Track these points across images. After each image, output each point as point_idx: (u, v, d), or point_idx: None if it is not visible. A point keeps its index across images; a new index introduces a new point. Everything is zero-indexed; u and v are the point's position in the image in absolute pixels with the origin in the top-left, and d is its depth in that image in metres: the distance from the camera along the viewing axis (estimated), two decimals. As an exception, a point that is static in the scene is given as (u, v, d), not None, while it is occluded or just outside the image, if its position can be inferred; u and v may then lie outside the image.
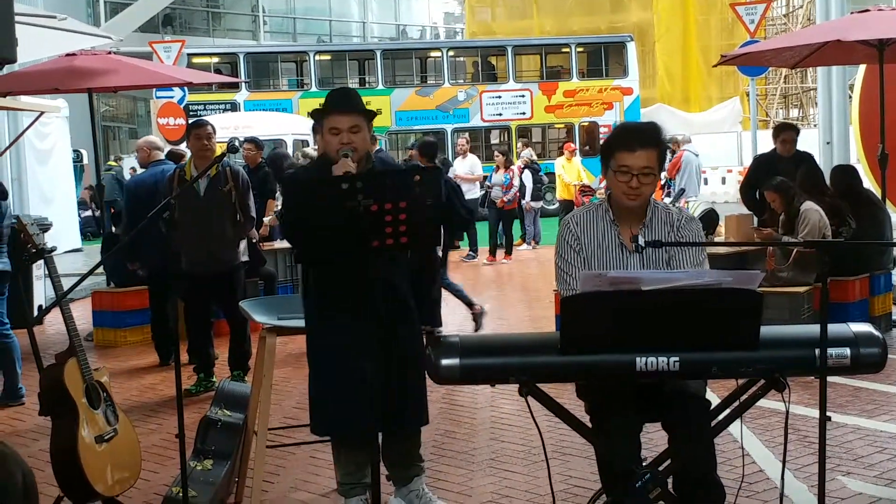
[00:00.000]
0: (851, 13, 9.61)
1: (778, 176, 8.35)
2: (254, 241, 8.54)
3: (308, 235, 3.81)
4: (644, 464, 3.52)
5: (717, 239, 8.99)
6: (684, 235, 3.81)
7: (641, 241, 3.38)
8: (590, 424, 3.64)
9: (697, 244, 3.80)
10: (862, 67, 12.57)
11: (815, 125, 23.74)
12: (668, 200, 13.88)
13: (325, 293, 4.30)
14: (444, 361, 3.32)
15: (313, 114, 4.38)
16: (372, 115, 4.36)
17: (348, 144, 4.19)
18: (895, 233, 8.72)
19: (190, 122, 9.34)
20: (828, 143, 12.00)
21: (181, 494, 4.17)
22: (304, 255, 4.16)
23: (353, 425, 4.20)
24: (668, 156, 15.16)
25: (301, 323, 4.73)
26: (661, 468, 3.46)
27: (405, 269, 4.38)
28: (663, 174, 10.76)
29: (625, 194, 3.73)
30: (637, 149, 3.68)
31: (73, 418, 4.38)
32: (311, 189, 3.92)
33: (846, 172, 9.08)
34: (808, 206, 7.84)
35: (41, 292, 10.37)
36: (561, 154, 20.12)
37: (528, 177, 17.22)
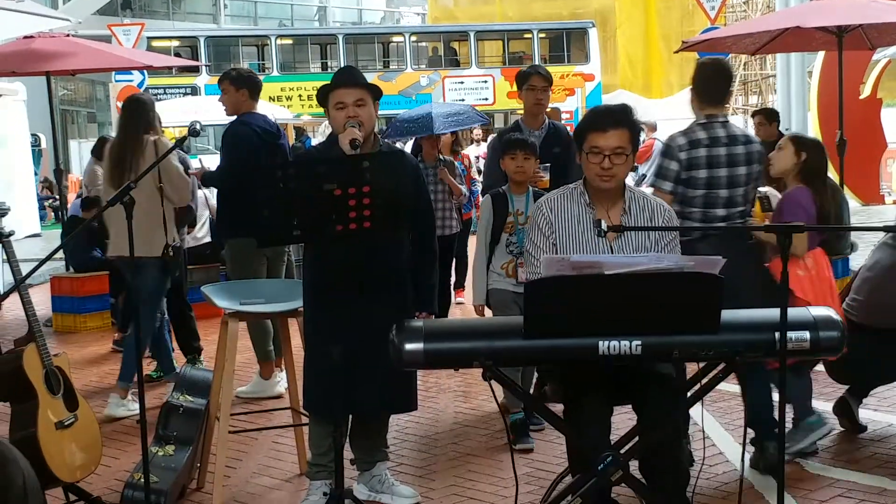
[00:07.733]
0: (811, 0, 9.71)
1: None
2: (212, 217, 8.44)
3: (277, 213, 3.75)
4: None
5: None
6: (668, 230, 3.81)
7: (605, 225, 3.37)
8: (544, 400, 3.64)
9: (664, 228, 3.80)
10: (820, 54, 12.71)
11: (774, 112, 23.92)
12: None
13: (314, 276, 4.36)
14: (408, 346, 3.31)
15: (320, 93, 4.38)
16: (377, 91, 4.36)
17: (355, 118, 4.21)
18: (853, 218, 8.81)
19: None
20: (786, 129, 12.13)
21: (142, 480, 4.15)
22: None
23: (326, 405, 4.23)
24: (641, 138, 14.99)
25: (263, 308, 4.75)
26: (622, 450, 3.48)
27: (401, 254, 4.36)
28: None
29: (598, 176, 3.72)
30: (608, 129, 3.67)
31: (33, 404, 4.34)
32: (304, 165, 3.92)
33: None
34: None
35: (-1, 277, 10.25)
36: (523, 140, 20.12)
37: None
